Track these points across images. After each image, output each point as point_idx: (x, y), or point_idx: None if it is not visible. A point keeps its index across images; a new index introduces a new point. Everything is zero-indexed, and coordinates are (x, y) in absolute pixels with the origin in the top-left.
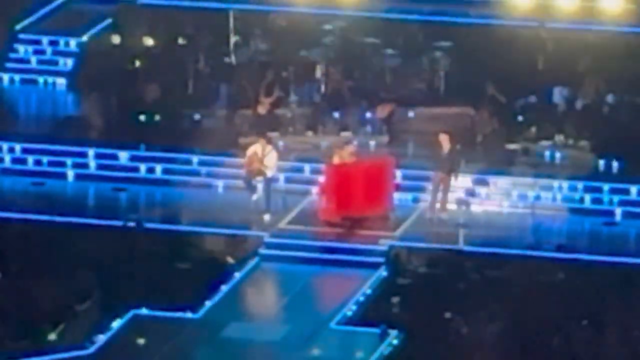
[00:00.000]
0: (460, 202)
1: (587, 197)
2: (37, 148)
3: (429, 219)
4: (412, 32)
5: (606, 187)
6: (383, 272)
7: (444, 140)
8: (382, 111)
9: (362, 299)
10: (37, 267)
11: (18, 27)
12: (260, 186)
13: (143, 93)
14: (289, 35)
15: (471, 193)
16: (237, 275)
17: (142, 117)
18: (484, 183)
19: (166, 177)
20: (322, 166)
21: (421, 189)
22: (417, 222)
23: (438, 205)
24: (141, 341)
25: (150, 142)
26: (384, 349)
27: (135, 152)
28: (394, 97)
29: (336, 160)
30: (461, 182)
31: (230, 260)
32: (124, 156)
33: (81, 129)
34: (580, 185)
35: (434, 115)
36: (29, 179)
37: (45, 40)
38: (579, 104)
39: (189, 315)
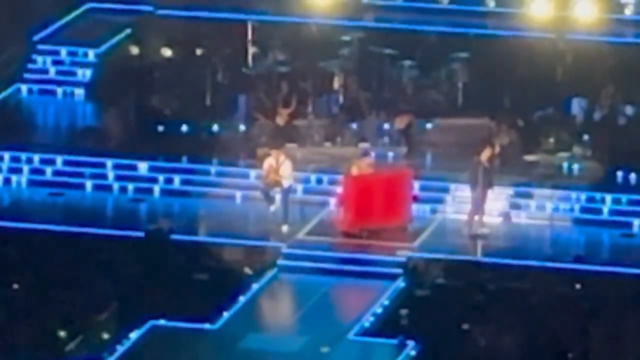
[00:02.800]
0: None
1: (605, 209)
2: (55, 159)
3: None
4: (430, 44)
5: (624, 198)
6: (401, 284)
7: (488, 153)
8: (400, 122)
9: (379, 310)
10: (55, 278)
11: (36, 37)
12: (278, 197)
13: (161, 104)
14: (307, 47)
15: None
16: (255, 286)
17: (160, 128)
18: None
19: (184, 188)
20: (340, 177)
21: (439, 200)
22: (435, 233)
23: (476, 219)
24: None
25: (169, 153)
26: None
27: (153, 163)
28: (412, 108)
29: (354, 171)
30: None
31: (248, 271)
32: (142, 167)
33: (99, 139)
34: (598, 196)
35: (452, 127)
36: (47, 190)
37: (63, 50)
38: (597, 116)
39: (206, 326)
